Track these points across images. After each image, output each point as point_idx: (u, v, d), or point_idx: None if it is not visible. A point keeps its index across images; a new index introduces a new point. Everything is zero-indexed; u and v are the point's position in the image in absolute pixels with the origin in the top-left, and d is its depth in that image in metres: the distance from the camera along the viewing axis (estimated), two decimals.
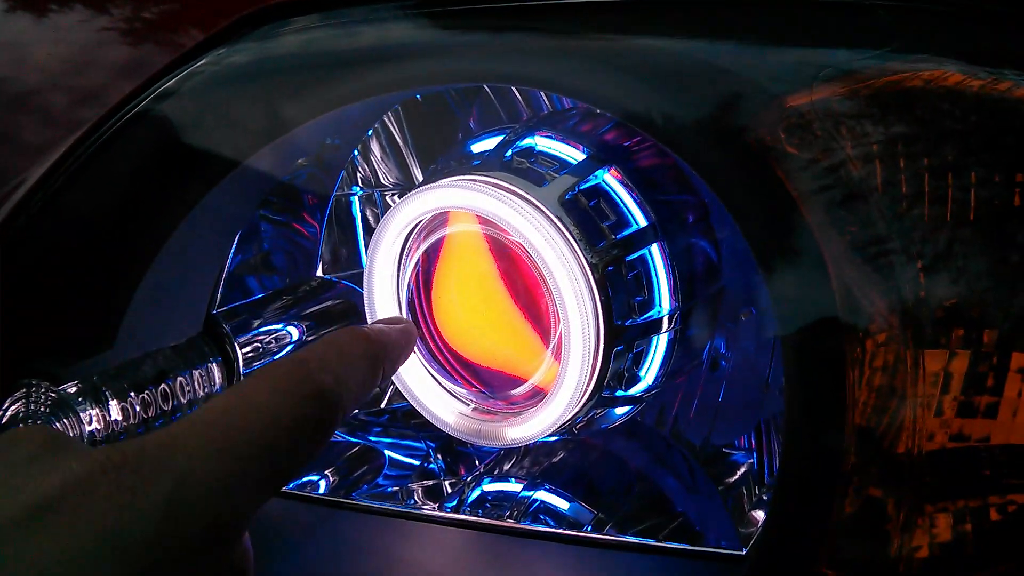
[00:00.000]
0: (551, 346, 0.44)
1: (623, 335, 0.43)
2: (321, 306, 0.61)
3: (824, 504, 0.38)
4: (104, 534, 0.26)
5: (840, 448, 0.38)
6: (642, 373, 0.46)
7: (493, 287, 0.45)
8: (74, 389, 0.47)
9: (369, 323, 0.40)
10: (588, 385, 0.42)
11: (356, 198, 0.64)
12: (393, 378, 0.47)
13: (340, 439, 0.62)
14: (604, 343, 0.42)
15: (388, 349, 0.37)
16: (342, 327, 0.43)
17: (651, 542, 0.48)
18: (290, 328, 0.59)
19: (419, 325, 0.46)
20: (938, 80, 0.38)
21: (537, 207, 0.42)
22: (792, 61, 0.40)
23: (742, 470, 0.55)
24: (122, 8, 0.58)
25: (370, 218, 0.65)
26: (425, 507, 0.55)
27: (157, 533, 0.27)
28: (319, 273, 0.63)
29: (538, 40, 0.43)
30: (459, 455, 0.59)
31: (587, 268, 0.41)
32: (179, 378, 0.51)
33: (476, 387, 0.46)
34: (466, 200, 0.42)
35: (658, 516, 0.52)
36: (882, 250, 0.38)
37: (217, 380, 0.53)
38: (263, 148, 0.48)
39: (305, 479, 0.58)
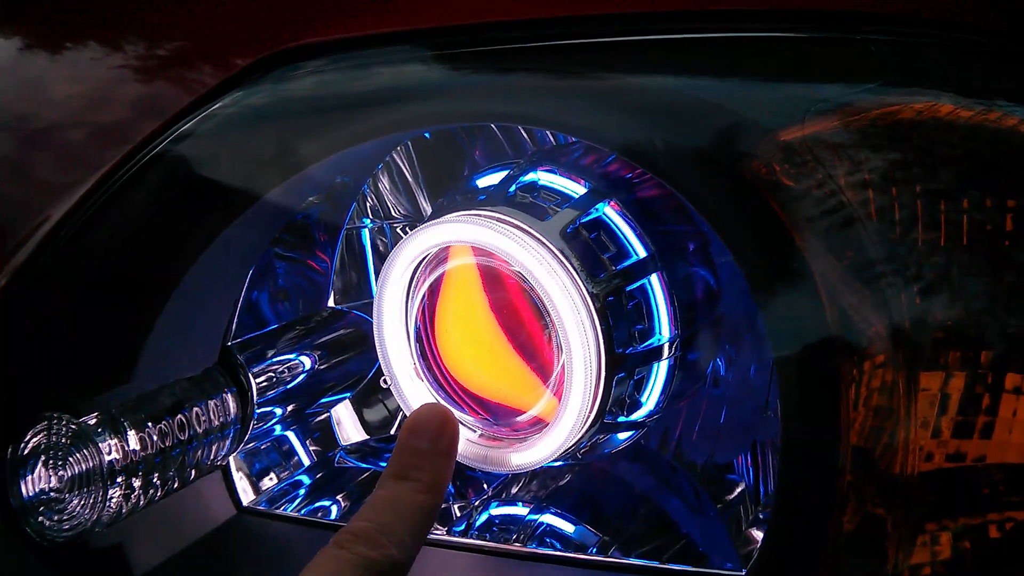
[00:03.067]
0: (551, 381, 0.45)
1: (624, 363, 0.44)
2: (333, 336, 0.63)
3: (821, 523, 0.39)
4: None
5: (836, 467, 0.39)
6: (643, 399, 0.47)
7: (492, 321, 0.46)
8: (94, 420, 0.48)
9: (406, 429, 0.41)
10: (591, 412, 0.43)
11: (367, 230, 0.65)
12: (402, 406, 0.49)
13: (351, 465, 0.63)
14: (605, 371, 0.43)
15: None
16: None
17: (655, 564, 0.49)
18: (303, 358, 0.60)
19: (425, 356, 0.48)
20: (930, 111, 0.40)
21: (540, 240, 0.43)
22: (785, 96, 0.42)
23: (739, 489, 0.56)
24: (136, 46, 0.60)
25: (380, 247, 0.67)
26: (435, 531, 0.56)
27: None
28: (330, 303, 0.65)
29: (541, 80, 0.45)
30: (468, 479, 0.61)
31: (588, 298, 0.43)
32: (195, 408, 0.52)
33: (481, 415, 0.47)
34: (471, 234, 0.44)
35: (662, 538, 0.53)
36: (877, 274, 0.39)
37: (232, 410, 0.54)
38: (278, 186, 0.50)
39: (317, 504, 0.59)
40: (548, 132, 0.58)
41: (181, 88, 0.54)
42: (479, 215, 0.44)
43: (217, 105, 0.51)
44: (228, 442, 0.53)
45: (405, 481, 0.38)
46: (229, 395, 0.54)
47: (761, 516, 0.53)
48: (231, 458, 0.57)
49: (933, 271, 0.38)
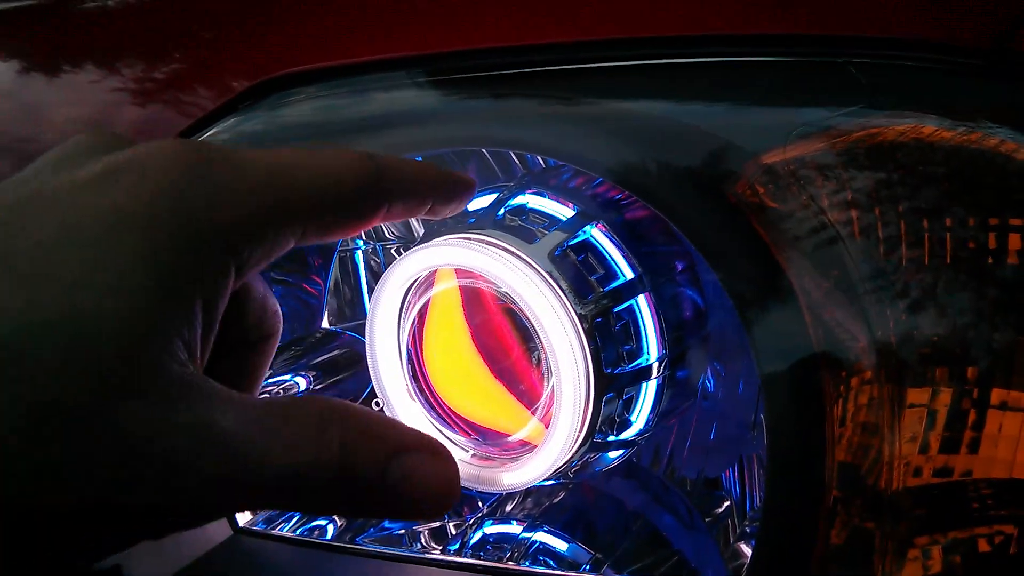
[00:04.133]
0: (536, 406, 0.46)
1: (613, 383, 0.45)
2: (327, 356, 0.63)
3: (809, 537, 0.40)
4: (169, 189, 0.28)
5: (823, 482, 0.40)
6: (633, 418, 0.47)
7: (475, 349, 0.46)
8: None
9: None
10: (580, 431, 0.44)
11: (360, 251, 0.66)
12: None
13: None
14: (595, 391, 0.43)
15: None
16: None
17: None
18: (298, 379, 0.61)
19: (417, 378, 0.48)
20: (912, 132, 0.40)
21: (528, 263, 0.44)
22: (768, 120, 0.43)
23: (726, 503, 0.56)
24: (134, 69, 0.60)
25: (374, 267, 0.68)
26: (431, 551, 0.56)
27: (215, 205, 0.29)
28: (324, 324, 0.65)
29: (531, 106, 0.46)
30: (463, 497, 0.61)
31: (576, 319, 0.43)
32: None
33: (472, 436, 0.48)
34: (460, 258, 0.44)
35: (654, 554, 0.54)
36: (862, 292, 0.39)
37: None
38: None
39: (313, 524, 0.60)
40: (538, 156, 0.58)
41: (179, 113, 0.55)
42: (468, 238, 0.45)
43: (213, 131, 0.52)
44: None
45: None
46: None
47: (748, 530, 0.53)
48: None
49: (918, 288, 0.39)
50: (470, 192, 0.39)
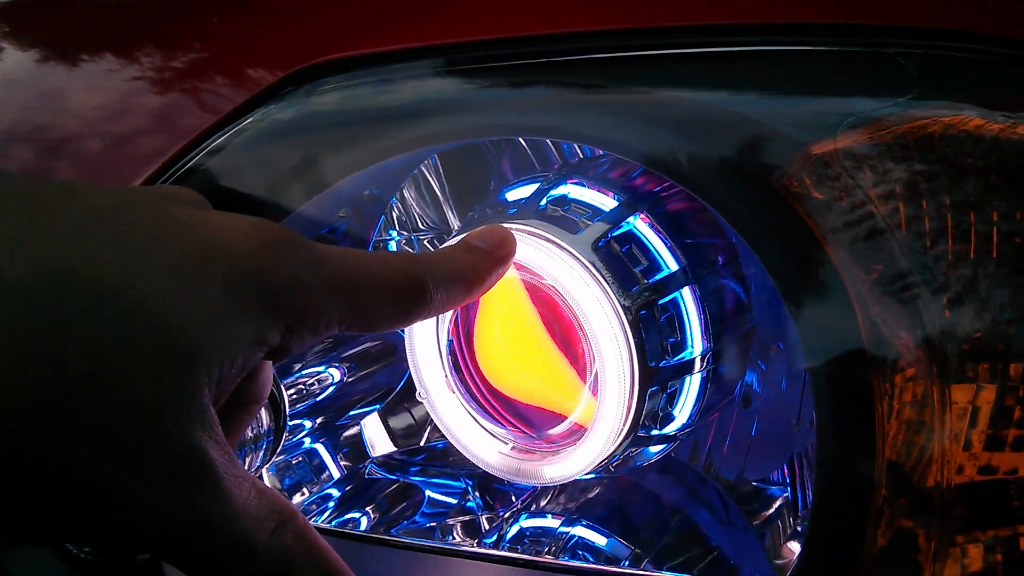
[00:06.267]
0: (588, 383, 0.45)
1: (657, 376, 0.44)
2: (360, 348, 0.63)
3: (857, 536, 0.39)
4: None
5: (872, 481, 0.39)
6: (676, 412, 0.47)
7: (532, 329, 0.46)
8: None
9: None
10: (624, 425, 0.43)
11: (394, 242, 0.66)
12: (434, 419, 0.49)
13: (380, 477, 0.64)
14: (639, 384, 0.43)
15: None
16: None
17: None
18: (331, 370, 0.61)
19: (459, 368, 0.48)
20: (959, 124, 0.40)
21: (572, 254, 0.43)
22: (816, 110, 0.42)
23: (777, 503, 0.56)
24: (152, 58, 0.60)
25: None
26: (464, 543, 0.56)
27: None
28: None
29: (569, 94, 0.45)
30: (496, 492, 0.61)
31: (621, 312, 0.43)
32: None
33: (516, 426, 0.48)
34: None
35: (693, 550, 0.53)
36: (907, 285, 0.39)
37: (265, 421, 0.54)
38: (308, 200, 0.50)
39: (347, 516, 0.60)
40: (576, 145, 0.58)
41: (213, 103, 0.55)
42: (511, 228, 0.44)
43: (249, 120, 0.51)
44: (261, 454, 0.53)
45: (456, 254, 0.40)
46: (261, 407, 0.54)
47: (799, 529, 0.53)
48: (263, 472, 0.57)
49: (961, 282, 0.39)
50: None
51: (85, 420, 0.27)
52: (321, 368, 0.60)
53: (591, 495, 0.58)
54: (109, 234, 0.29)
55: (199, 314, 0.29)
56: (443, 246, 0.41)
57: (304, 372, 0.60)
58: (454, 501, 0.61)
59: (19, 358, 0.27)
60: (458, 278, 0.38)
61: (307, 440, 0.61)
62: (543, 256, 0.43)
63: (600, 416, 0.43)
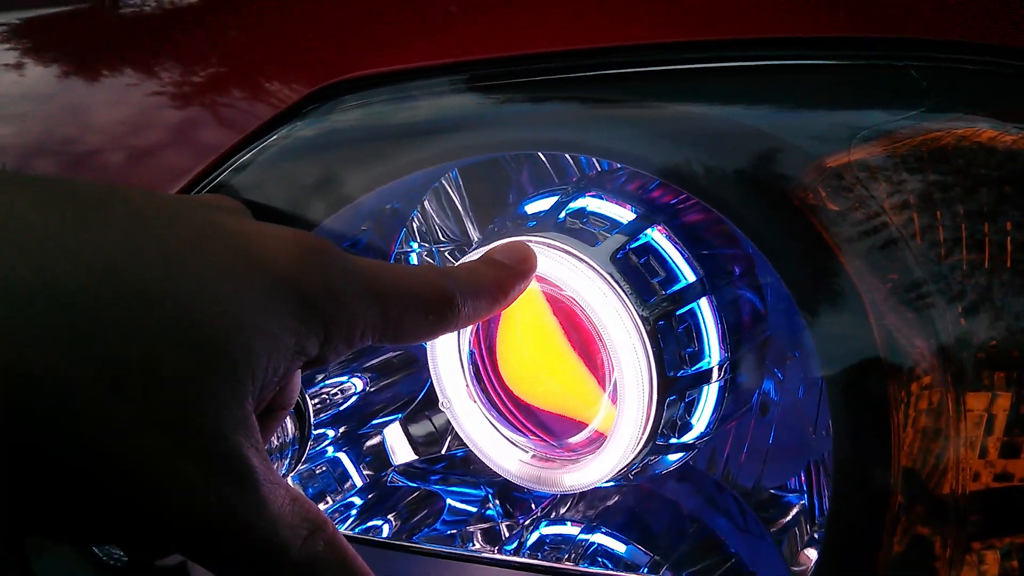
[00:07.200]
0: (607, 391, 0.46)
1: (675, 385, 0.45)
2: (383, 358, 0.64)
3: (874, 543, 0.40)
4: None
5: (888, 488, 0.40)
6: (694, 421, 0.47)
7: (553, 339, 0.47)
8: None
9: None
10: (643, 434, 0.44)
11: (415, 254, 0.67)
12: (456, 428, 0.50)
13: (401, 485, 0.64)
14: (657, 393, 0.44)
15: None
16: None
17: None
18: (354, 380, 0.62)
19: (480, 377, 0.49)
20: (972, 136, 0.40)
21: (591, 265, 0.44)
22: (830, 123, 0.43)
23: (794, 510, 0.56)
24: (170, 72, 0.61)
25: None
26: (484, 550, 0.57)
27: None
28: None
29: (587, 110, 0.46)
30: (516, 500, 0.61)
31: (639, 322, 0.44)
32: None
33: (536, 435, 0.48)
34: None
35: (712, 557, 0.54)
36: (922, 294, 0.39)
37: (290, 430, 0.55)
38: (332, 214, 0.51)
39: (369, 524, 0.60)
40: (594, 159, 0.59)
41: (239, 120, 0.56)
42: (530, 241, 0.45)
43: (274, 136, 0.52)
44: (287, 462, 0.54)
45: (482, 268, 0.41)
46: (287, 415, 0.55)
47: (816, 536, 0.53)
48: (288, 480, 0.58)
49: (976, 291, 0.39)
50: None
51: (133, 420, 0.28)
52: (344, 378, 0.61)
53: (610, 503, 0.58)
54: (154, 237, 0.30)
55: (247, 322, 0.30)
56: (466, 260, 0.42)
57: (327, 382, 0.61)
58: (474, 509, 0.62)
59: (70, 357, 0.27)
60: (484, 292, 0.39)
61: (330, 449, 0.62)
62: (563, 268, 0.44)
63: (619, 425, 0.44)
